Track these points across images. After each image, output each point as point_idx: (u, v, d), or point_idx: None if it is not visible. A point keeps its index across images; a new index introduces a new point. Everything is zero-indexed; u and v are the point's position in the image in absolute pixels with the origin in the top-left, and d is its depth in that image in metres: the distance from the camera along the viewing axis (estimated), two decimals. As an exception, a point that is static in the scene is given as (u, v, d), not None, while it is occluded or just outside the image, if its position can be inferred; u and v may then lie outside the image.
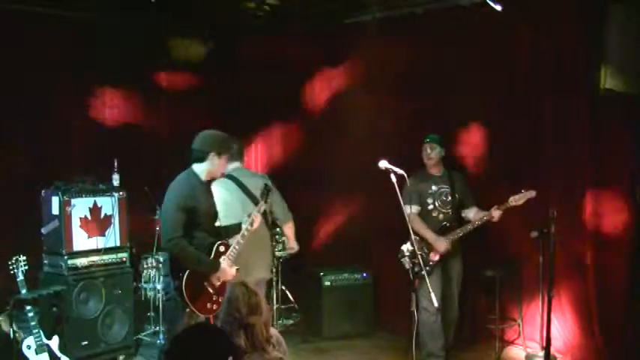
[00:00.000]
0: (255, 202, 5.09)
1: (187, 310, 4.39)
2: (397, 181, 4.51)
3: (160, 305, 4.39)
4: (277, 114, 7.84)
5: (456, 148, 6.27)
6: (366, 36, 6.74)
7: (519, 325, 6.02)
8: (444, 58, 6.38)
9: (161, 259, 5.93)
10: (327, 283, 6.57)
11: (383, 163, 4.56)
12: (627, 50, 5.20)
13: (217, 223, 4.93)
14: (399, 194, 4.54)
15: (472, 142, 6.21)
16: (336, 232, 6.84)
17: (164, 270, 4.33)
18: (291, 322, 6.95)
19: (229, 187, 5.24)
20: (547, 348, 4.88)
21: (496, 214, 5.44)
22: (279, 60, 7.37)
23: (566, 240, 5.52)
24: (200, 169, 4.52)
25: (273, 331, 3.30)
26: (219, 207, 4.90)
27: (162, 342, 4.58)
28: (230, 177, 5.28)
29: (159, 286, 4.34)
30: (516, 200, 5.37)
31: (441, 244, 5.51)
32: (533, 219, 5.66)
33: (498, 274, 5.84)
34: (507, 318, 6.13)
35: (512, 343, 6.14)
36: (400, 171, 4.55)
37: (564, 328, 5.74)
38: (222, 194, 5.14)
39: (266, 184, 4.86)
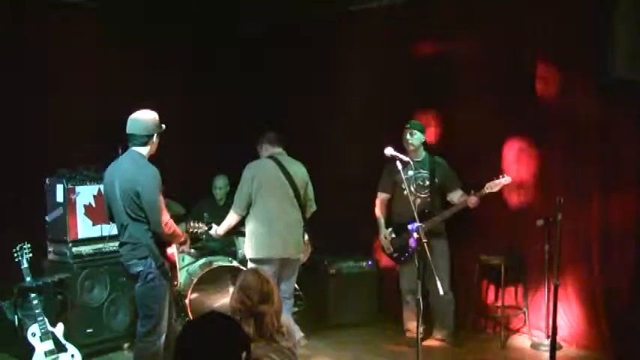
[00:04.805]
0: (293, 186, 5.36)
1: (174, 282, 4.76)
2: (402, 168, 4.51)
3: (142, 289, 4.41)
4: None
5: (457, 141, 6.24)
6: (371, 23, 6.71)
7: (525, 313, 5.99)
8: (447, 49, 6.32)
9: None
10: (333, 271, 6.57)
11: (389, 150, 4.59)
12: (635, 39, 5.15)
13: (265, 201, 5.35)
14: (403, 180, 4.55)
15: (474, 134, 6.15)
16: (340, 220, 6.80)
17: (139, 253, 4.46)
18: (296, 310, 6.93)
19: (275, 167, 5.40)
20: (553, 337, 4.86)
21: (473, 200, 5.54)
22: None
23: (572, 228, 5.49)
24: (145, 151, 4.54)
25: (285, 321, 3.25)
26: (265, 185, 5.31)
27: (144, 327, 4.53)
28: (272, 158, 5.45)
29: (139, 269, 4.44)
30: (491, 187, 5.50)
31: (381, 237, 5.94)
32: (539, 207, 5.64)
33: (504, 262, 5.81)
34: (513, 307, 6.11)
35: (517, 331, 6.11)
36: (406, 158, 4.58)
37: (570, 317, 5.72)
38: (270, 172, 5.36)
39: None
